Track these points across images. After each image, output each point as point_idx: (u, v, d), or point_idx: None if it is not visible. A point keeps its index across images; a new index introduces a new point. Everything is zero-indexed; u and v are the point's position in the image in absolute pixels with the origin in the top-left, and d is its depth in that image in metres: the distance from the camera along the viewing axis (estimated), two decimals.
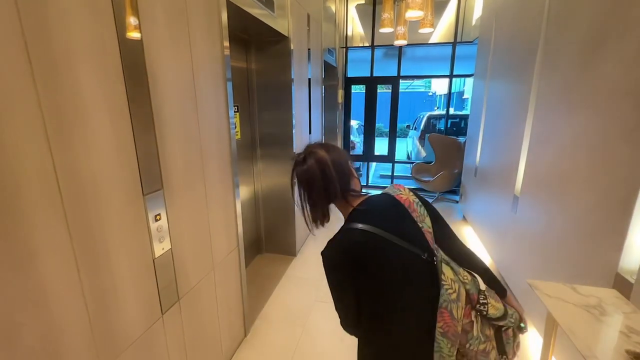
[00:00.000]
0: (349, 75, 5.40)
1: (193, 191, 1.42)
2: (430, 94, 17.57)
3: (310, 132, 3.44)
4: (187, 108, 1.35)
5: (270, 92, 2.79)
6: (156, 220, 1.18)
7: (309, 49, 3.21)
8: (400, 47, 5.01)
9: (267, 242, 3.18)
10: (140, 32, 1.07)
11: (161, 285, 1.21)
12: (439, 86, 15.64)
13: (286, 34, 2.54)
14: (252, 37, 2.61)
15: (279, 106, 2.79)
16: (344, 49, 5.17)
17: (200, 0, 1.40)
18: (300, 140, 3.08)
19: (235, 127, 2.55)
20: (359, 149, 6.87)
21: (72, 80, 0.85)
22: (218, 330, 1.69)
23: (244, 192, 2.84)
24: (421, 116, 8.68)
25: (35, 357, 0.79)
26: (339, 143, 5.38)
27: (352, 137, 6.34)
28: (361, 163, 6.62)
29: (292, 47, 2.64)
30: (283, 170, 2.93)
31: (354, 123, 7.50)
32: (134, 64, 1.05)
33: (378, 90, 5.56)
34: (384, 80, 5.53)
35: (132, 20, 1.04)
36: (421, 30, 2.37)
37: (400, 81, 5.25)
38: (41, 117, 0.78)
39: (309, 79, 3.32)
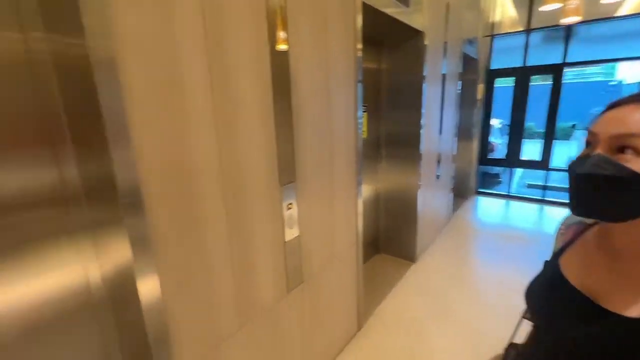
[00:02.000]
0: (493, 67, 4.72)
1: (321, 185, 1.53)
2: (612, 83, 13.49)
3: (440, 133, 3.19)
4: (321, 109, 1.47)
5: (399, 91, 2.73)
6: (288, 209, 1.33)
7: (445, 42, 2.98)
8: (569, 27, 4.04)
9: (385, 243, 3.15)
10: (288, 44, 1.23)
11: (289, 267, 1.37)
12: (628, 72, 11.80)
13: (420, 29, 2.42)
14: (384, 36, 2.61)
15: (407, 105, 2.70)
16: (489, 37, 4.54)
17: (338, 7, 1.49)
18: (429, 141, 2.90)
19: (363, 127, 2.62)
20: (499, 152, 5.93)
21: (235, 86, 1.05)
22: (333, 319, 1.78)
23: (366, 190, 2.89)
24: (596, 113, 6.76)
25: (199, 304, 1.03)
26: (475, 145, 4.79)
27: (491, 139, 5.54)
28: (502, 169, 5.72)
29: (425, 42, 2.50)
30: (407, 171, 2.83)
31: (495, 122, 6.54)
32: (280, 72, 1.21)
33: (531, 83, 4.65)
34: (542, 69, 4.57)
35: (281, 35, 1.20)
36: (605, 0, 1.84)
37: (566, 70, 4.24)
38: (213, 115, 1.00)
39: (443, 75, 3.08)
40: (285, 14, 1.20)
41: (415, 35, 2.47)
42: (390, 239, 3.11)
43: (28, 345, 0.86)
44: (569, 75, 5.92)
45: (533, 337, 0.68)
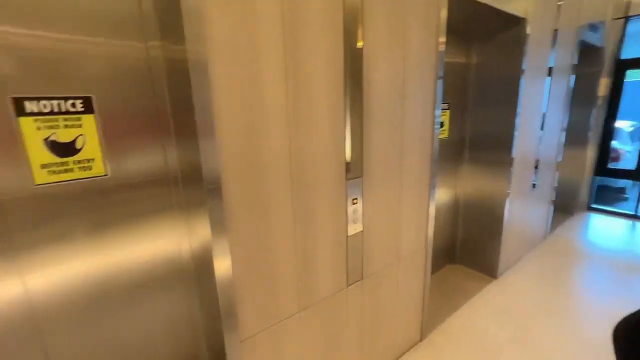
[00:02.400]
0: (624, 56, 3.85)
1: (388, 184, 1.50)
2: None
3: (540, 135, 2.77)
4: (393, 106, 1.43)
5: (491, 87, 2.46)
6: (353, 204, 1.35)
7: (555, 30, 2.55)
8: None
9: (462, 253, 2.89)
10: (363, 41, 1.23)
11: (350, 261, 1.39)
12: None
13: (521, 15, 2.13)
14: (474, 26, 2.37)
15: (499, 103, 2.42)
16: (622, 20, 3.71)
17: (420, 1, 1.43)
18: (524, 144, 2.54)
19: (443, 126, 2.45)
20: (627, 162, 4.82)
21: (308, 83, 1.11)
22: (394, 323, 1.73)
23: (442, 194, 2.69)
24: None
25: (263, 283, 1.13)
26: (591, 152, 3.99)
27: (616, 144, 4.54)
28: (630, 182, 4.66)
29: (527, 32, 2.19)
30: (494, 176, 2.54)
31: (623, 125, 5.33)
32: (353, 68, 1.23)
33: None
34: None
35: (357, 33, 1.21)
36: None
37: None
38: (286, 110, 1.07)
39: (550, 69, 2.65)
40: (362, 12, 1.20)
41: (514, 23, 2.19)
42: (468, 249, 2.84)
43: (132, 297, 1.07)
44: None
45: None
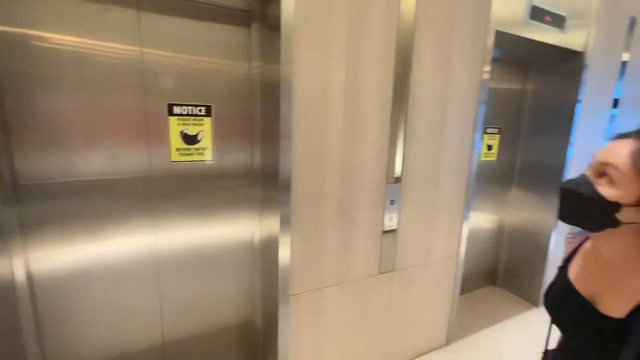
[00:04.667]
0: None
1: (424, 193, 1.73)
2: None
3: None
4: (434, 126, 1.67)
5: (544, 115, 2.51)
6: (391, 204, 1.61)
7: (623, 62, 2.52)
8: None
9: (504, 277, 2.89)
10: (410, 72, 1.52)
11: (383, 251, 1.64)
12: None
13: (580, 50, 2.20)
14: (531, 57, 2.47)
15: (552, 132, 2.45)
16: None
17: (466, 34, 1.66)
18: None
19: (492, 149, 2.57)
20: None
21: (362, 105, 1.43)
22: (419, 319, 1.91)
23: (488, 216, 2.76)
24: None
25: (313, 257, 1.44)
26: None
27: None
28: None
29: (585, 62, 2.24)
30: (542, 205, 2.54)
31: None
32: (400, 94, 1.51)
33: None
34: None
35: (404, 66, 1.50)
36: None
37: None
38: (343, 125, 1.40)
39: (615, 100, 2.60)
40: (412, 43, 1.49)
41: (571, 56, 2.26)
42: (511, 274, 2.84)
43: (211, 270, 1.47)
44: None
45: (559, 342, 0.76)
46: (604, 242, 0.64)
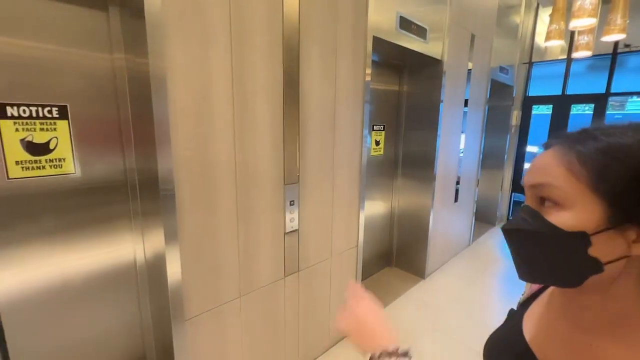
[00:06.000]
0: (531, 93, 4.66)
1: (321, 190, 1.78)
2: None
3: (460, 156, 3.28)
4: (325, 124, 1.74)
5: (417, 113, 2.92)
6: (290, 205, 1.60)
7: (469, 70, 3.12)
8: (614, 57, 3.91)
9: (397, 257, 3.26)
10: (298, 70, 1.53)
11: (287, 254, 1.62)
12: None
13: (439, 58, 2.62)
14: (404, 61, 2.83)
15: (424, 126, 2.87)
16: (527, 64, 4.53)
17: (349, 38, 1.78)
18: (445, 162, 3.01)
19: (379, 144, 2.84)
20: None
21: (252, 101, 1.36)
22: (328, 312, 1.98)
23: (380, 205, 3.06)
24: None
25: (208, 272, 1.32)
26: (508, 171, 4.71)
27: (527, 165, 5.36)
28: None
29: (444, 69, 2.68)
30: (421, 189, 2.96)
31: (533, 149, 6.29)
32: (291, 92, 1.51)
33: (574, 112, 4.51)
34: (581, 98, 4.42)
35: (293, 64, 1.50)
36: None
37: (612, 100, 4.08)
38: (232, 125, 1.31)
39: (466, 100, 3.20)
40: (299, 43, 1.50)
41: (434, 62, 2.67)
42: (402, 254, 3.22)
43: (88, 297, 1.20)
44: (632, 105, 5.58)
45: None
46: (592, 299, 0.43)
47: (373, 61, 2.00)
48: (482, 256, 3.68)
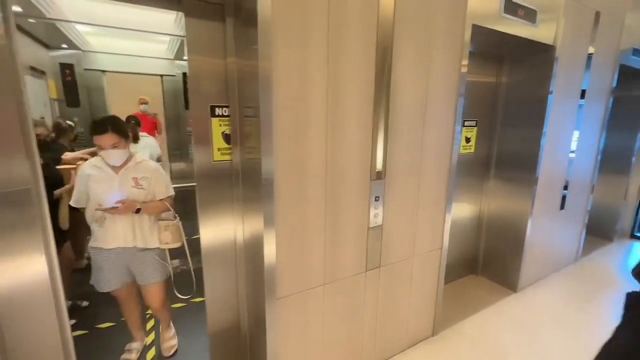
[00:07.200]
0: None
1: (407, 188, 1.74)
2: None
3: (571, 157, 2.82)
4: (415, 121, 1.68)
5: (517, 107, 2.59)
6: (375, 200, 1.60)
7: (589, 55, 2.63)
8: None
9: (484, 265, 2.98)
10: (390, 68, 1.51)
11: (369, 248, 1.64)
12: None
13: (550, 43, 2.27)
14: (504, 49, 2.54)
15: (526, 123, 2.54)
16: None
17: (445, 29, 1.67)
18: (551, 163, 2.62)
19: (470, 141, 2.62)
20: None
21: (344, 102, 1.40)
22: (407, 312, 1.93)
23: (467, 207, 2.83)
24: None
25: (298, 258, 1.42)
26: (636, 176, 3.83)
27: None
28: None
29: (556, 55, 2.32)
30: (518, 193, 2.64)
31: None
32: (381, 86, 1.50)
33: None
34: None
35: (385, 62, 1.49)
36: None
37: None
38: (325, 125, 1.37)
39: (583, 91, 2.71)
40: (392, 40, 1.48)
41: (542, 48, 2.33)
42: (490, 262, 2.93)
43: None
44: None
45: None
46: None
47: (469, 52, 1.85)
48: (592, 275, 3.11)
